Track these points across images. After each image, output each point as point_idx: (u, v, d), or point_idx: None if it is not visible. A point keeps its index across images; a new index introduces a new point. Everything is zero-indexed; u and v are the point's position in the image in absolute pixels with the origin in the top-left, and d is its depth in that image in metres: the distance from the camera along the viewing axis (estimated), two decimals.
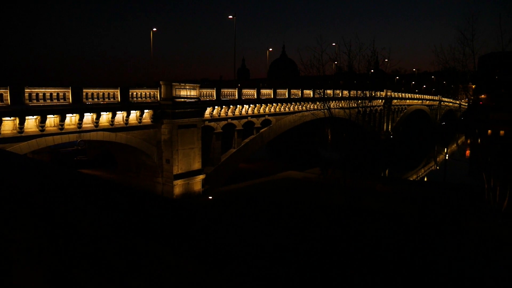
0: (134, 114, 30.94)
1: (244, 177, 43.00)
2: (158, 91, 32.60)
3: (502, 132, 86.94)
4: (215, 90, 37.58)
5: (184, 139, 33.53)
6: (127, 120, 30.23)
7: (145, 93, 31.92)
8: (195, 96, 34.54)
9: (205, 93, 36.65)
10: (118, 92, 29.54)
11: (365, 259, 2.18)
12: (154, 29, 51.24)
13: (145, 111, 31.64)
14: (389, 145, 72.55)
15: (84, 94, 27.31)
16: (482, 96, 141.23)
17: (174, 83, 32.81)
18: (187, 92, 33.81)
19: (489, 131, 76.86)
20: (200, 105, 34.93)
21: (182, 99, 33.21)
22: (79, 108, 26.87)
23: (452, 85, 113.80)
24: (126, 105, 29.97)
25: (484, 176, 29.12)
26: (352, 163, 33.82)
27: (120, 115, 29.90)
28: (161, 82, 32.89)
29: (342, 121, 48.02)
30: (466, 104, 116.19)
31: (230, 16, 54.14)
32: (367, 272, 2.10)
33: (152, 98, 32.34)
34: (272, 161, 61.60)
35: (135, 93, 31.01)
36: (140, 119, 31.35)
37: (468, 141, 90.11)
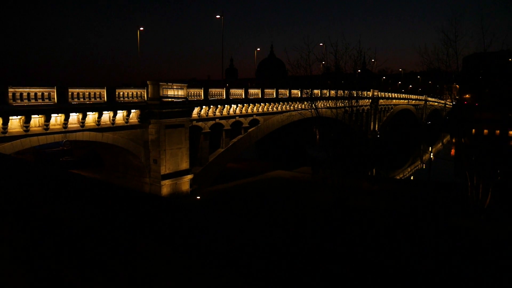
0: (121, 114, 30.69)
1: (232, 177, 43.02)
2: (145, 90, 32.40)
3: (486, 131, 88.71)
4: (202, 90, 37.51)
5: (171, 139, 33.39)
6: (113, 120, 29.97)
7: (132, 93, 31.69)
8: (182, 96, 34.43)
9: (192, 92, 36.55)
10: (104, 92, 29.27)
11: (345, 254, 2.27)
12: (141, 28, 50.93)
13: (132, 111, 31.41)
14: (376, 144, 73.34)
15: (69, 93, 27.00)
16: (467, 96, 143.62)
17: (161, 83, 32.66)
18: (175, 92, 33.69)
19: (473, 130, 78.30)
20: (187, 105, 34.82)
21: (170, 99, 33.07)
22: (65, 108, 26.54)
23: (438, 85, 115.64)
24: (113, 105, 29.71)
25: (468, 174, 29.70)
26: (339, 162, 34.14)
27: (106, 115, 29.63)
28: (148, 82, 32.70)
29: (329, 120, 48.42)
30: (451, 104, 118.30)
31: (218, 16, 54.14)
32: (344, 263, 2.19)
33: (139, 98, 32.13)
34: (260, 160, 61.75)
35: (121, 93, 30.76)
36: (127, 119, 31.12)
37: (453, 140, 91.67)
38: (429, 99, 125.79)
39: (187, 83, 37.29)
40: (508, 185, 32.86)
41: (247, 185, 40.44)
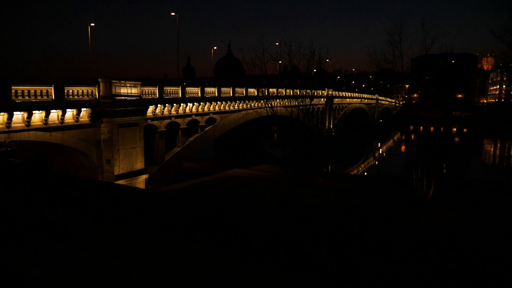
0: (70, 112, 29.51)
1: (189, 176, 42.74)
2: (97, 88, 31.38)
3: (432, 128, 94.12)
4: (157, 88, 36.92)
5: (125, 138, 32.60)
6: (62, 119, 28.78)
7: (82, 91, 30.55)
8: (136, 94, 33.71)
9: (147, 91, 35.87)
10: (52, 90, 27.99)
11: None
12: (92, 24, 49.22)
13: (83, 109, 30.30)
14: (331, 141, 75.68)
15: (13, 91, 25.57)
16: (415, 95, 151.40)
17: (114, 81, 31.77)
18: (128, 90, 32.91)
19: (421, 127, 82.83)
20: (142, 103, 34.15)
21: (123, 97, 32.27)
22: (8, 106, 25.12)
23: (388, 85, 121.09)
24: (61, 103, 28.50)
25: (413, 168, 31.51)
26: (295, 159, 35.02)
27: (54, 114, 28.38)
28: (99, 79, 31.67)
29: (285, 119, 49.40)
30: (400, 103, 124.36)
31: (173, 13, 53.35)
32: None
33: (90, 96, 31.05)
34: (218, 159, 61.76)
35: (71, 91, 29.57)
36: (77, 118, 29.99)
37: (403, 137, 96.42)
38: (380, 98, 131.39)
39: (143, 81, 36.55)
40: (451, 178, 35.23)
41: (204, 184, 40.35)
